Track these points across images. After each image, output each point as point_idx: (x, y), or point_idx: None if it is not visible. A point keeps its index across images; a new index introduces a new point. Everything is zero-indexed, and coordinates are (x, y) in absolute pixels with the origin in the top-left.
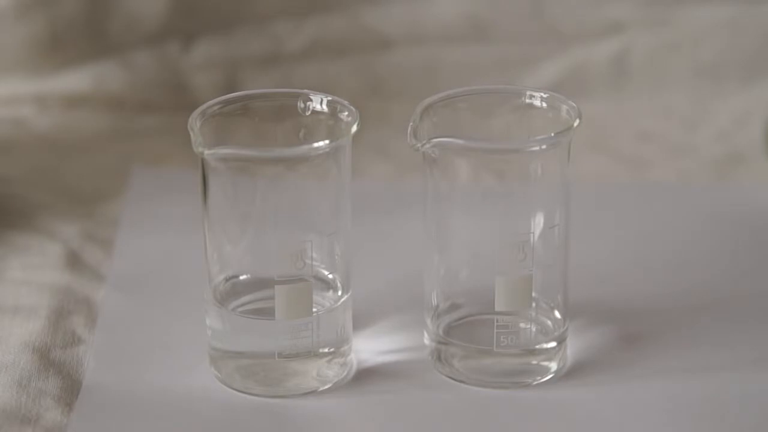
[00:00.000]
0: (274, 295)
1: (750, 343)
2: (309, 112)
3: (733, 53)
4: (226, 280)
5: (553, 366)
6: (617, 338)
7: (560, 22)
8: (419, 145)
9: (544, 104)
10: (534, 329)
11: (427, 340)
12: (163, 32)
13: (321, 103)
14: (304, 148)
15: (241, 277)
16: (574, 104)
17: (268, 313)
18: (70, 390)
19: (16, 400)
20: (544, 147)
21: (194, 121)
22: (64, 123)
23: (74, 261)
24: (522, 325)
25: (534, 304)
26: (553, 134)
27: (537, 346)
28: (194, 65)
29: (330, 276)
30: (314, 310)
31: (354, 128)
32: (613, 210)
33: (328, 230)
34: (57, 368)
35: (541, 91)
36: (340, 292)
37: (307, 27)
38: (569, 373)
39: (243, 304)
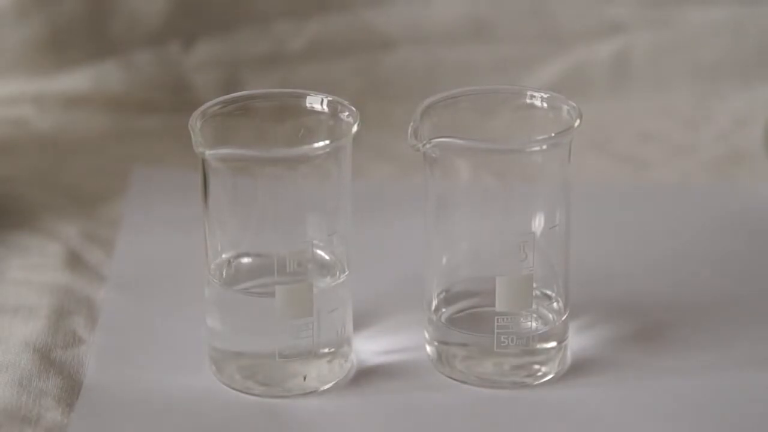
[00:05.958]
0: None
1: (750, 343)
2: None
3: (733, 53)
4: None
5: (554, 366)
6: (617, 338)
7: (560, 22)
8: (420, 145)
9: (545, 104)
10: (534, 329)
11: (427, 341)
12: (164, 32)
13: (321, 103)
14: (305, 148)
15: None
16: (574, 104)
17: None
18: (71, 390)
19: (16, 400)
20: (544, 147)
21: (195, 122)
22: (64, 123)
23: (74, 261)
24: (522, 325)
25: (534, 304)
26: (553, 134)
27: (537, 346)
28: (195, 65)
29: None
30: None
31: (354, 128)
32: (613, 210)
33: (328, 230)
34: (57, 368)
35: (541, 92)
36: None
37: (308, 27)
38: (569, 373)
39: None
